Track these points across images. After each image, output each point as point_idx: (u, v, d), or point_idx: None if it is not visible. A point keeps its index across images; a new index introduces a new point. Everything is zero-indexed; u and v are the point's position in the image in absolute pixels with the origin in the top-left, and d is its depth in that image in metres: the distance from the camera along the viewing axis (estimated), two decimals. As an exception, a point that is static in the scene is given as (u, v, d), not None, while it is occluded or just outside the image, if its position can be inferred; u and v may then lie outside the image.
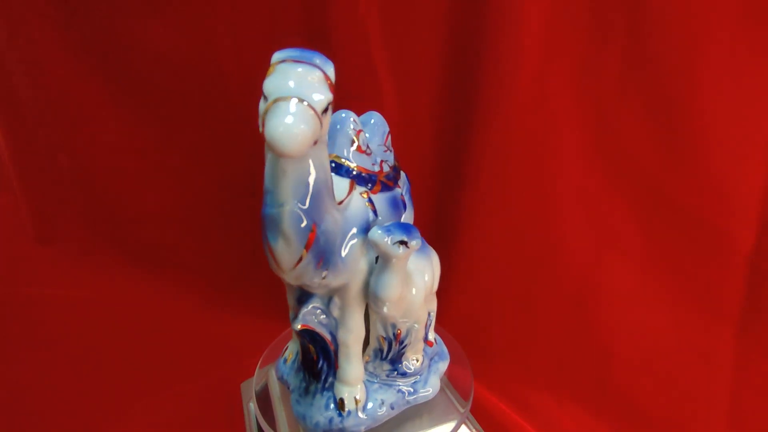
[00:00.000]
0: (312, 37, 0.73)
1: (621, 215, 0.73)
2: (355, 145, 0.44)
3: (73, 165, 1.00)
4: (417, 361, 0.49)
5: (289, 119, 0.28)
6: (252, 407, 0.58)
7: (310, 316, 0.44)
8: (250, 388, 0.58)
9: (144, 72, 0.86)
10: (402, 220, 0.48)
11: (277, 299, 0.87)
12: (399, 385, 0.49)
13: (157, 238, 1.00)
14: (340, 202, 0.39)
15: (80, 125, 0.96)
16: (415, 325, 0.47)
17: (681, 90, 0.65)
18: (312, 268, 0.37)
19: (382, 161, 0.47)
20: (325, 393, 0.46)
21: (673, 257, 0.73)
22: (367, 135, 0.47)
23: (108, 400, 0.73)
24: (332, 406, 0.45)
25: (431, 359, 0.52)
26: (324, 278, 0.39)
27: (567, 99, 0.70)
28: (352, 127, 0.44)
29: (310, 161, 0.34)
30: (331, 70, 0.33)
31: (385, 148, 0.49)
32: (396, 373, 0.49)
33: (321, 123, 0.31)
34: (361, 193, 0.43)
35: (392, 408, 0.48)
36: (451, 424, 0.49)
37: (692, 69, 0.64)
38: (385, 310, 0.43)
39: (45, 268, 1.04)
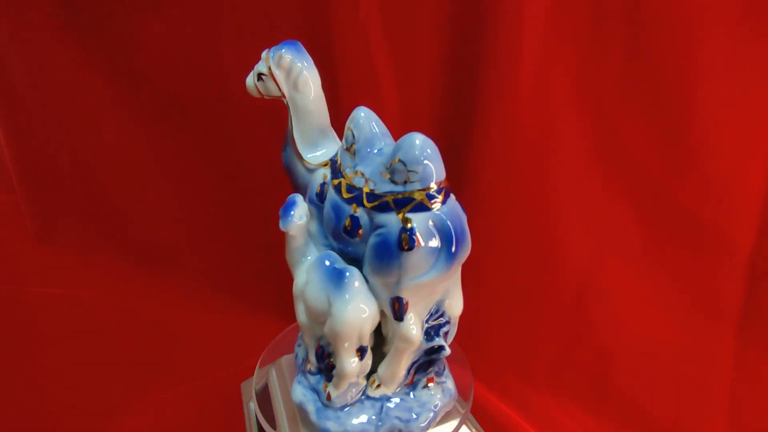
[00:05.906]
0: (312, 37, 0.73)
1: (621, 215, 0.73)
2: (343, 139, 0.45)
3: (73, 165, 1.00)
4: (311, 374, 0.47)
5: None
6: (252, 407, 0.58)
7: None
8: (250, 388, 0.57)
9: (145, 72, 0.86)
10: (363, 251, 0.41)
11: (278, 299, 0.88)
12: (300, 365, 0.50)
13: (157, 238, 1.00)
14: (313, 164, 0.48)
15: (80, 125, 0.96)
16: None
17: (681, 90, 0.65)
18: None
19: (362, 175, 0.41)
20: None
21: (673, 257, 0.73)
22: (355, 137, 0.43)
23: (107, 400, 0.73)
24: None
25: (324, 407, 0.45)
26: None
27: (567, 99, 0.70)
28: (348, 123, 0.44)
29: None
30: (276, 54, 0.45)
31: (386, 174, 0.39)
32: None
33: (255, 84, 0.47)
34: (325, 175, 0.47)
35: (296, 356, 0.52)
36: (451, 424, 0.49)
37: (693, 69, 0.64)
38: None
39: (45, 268, 1.04)
